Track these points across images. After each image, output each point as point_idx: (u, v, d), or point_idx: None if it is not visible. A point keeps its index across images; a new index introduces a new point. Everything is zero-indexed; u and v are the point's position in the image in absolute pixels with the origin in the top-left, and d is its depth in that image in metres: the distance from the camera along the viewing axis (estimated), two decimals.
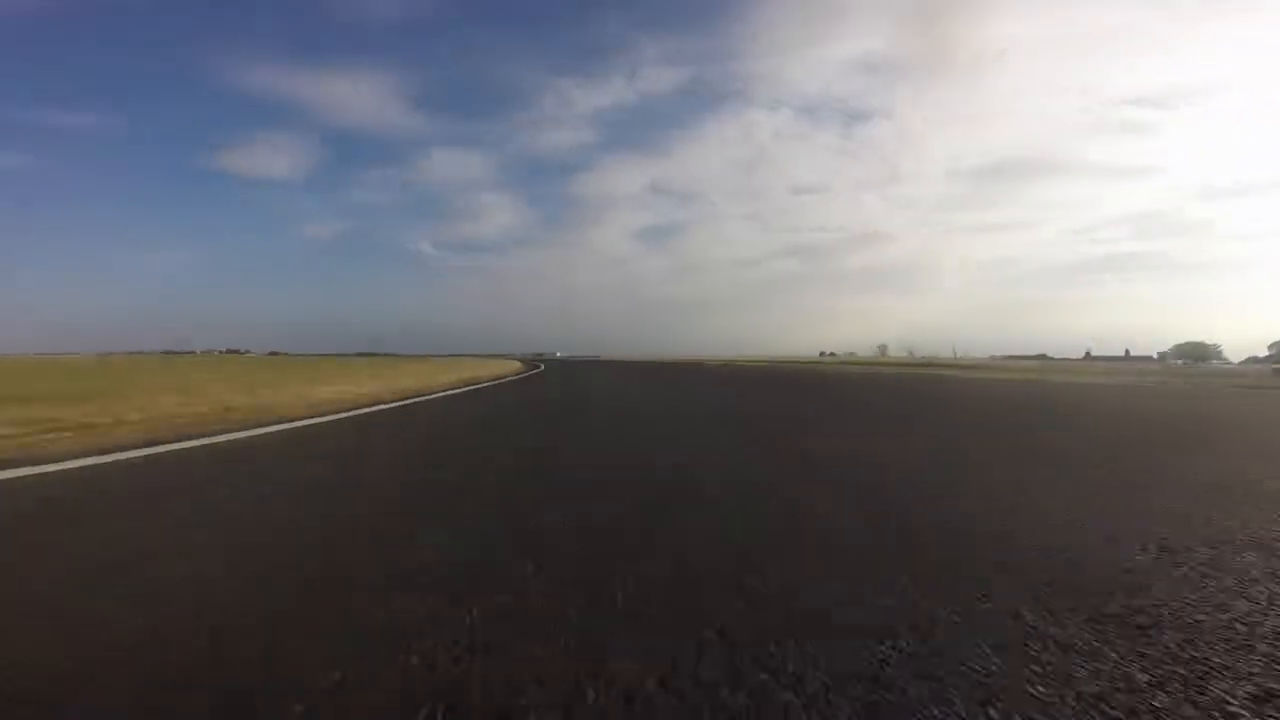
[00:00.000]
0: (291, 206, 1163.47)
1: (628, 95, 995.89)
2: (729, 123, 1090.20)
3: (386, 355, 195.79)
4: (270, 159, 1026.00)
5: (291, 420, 5.11)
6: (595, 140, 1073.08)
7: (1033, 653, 1.14)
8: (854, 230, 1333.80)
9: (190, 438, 3.95)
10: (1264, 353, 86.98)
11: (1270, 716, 0.95)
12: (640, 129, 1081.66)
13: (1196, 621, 1.28)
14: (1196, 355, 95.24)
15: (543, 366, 27.93)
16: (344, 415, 5.77)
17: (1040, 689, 1.01)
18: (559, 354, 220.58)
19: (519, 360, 51.36)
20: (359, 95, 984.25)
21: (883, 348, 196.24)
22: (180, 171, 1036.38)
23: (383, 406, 6.80)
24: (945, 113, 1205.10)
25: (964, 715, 0.94)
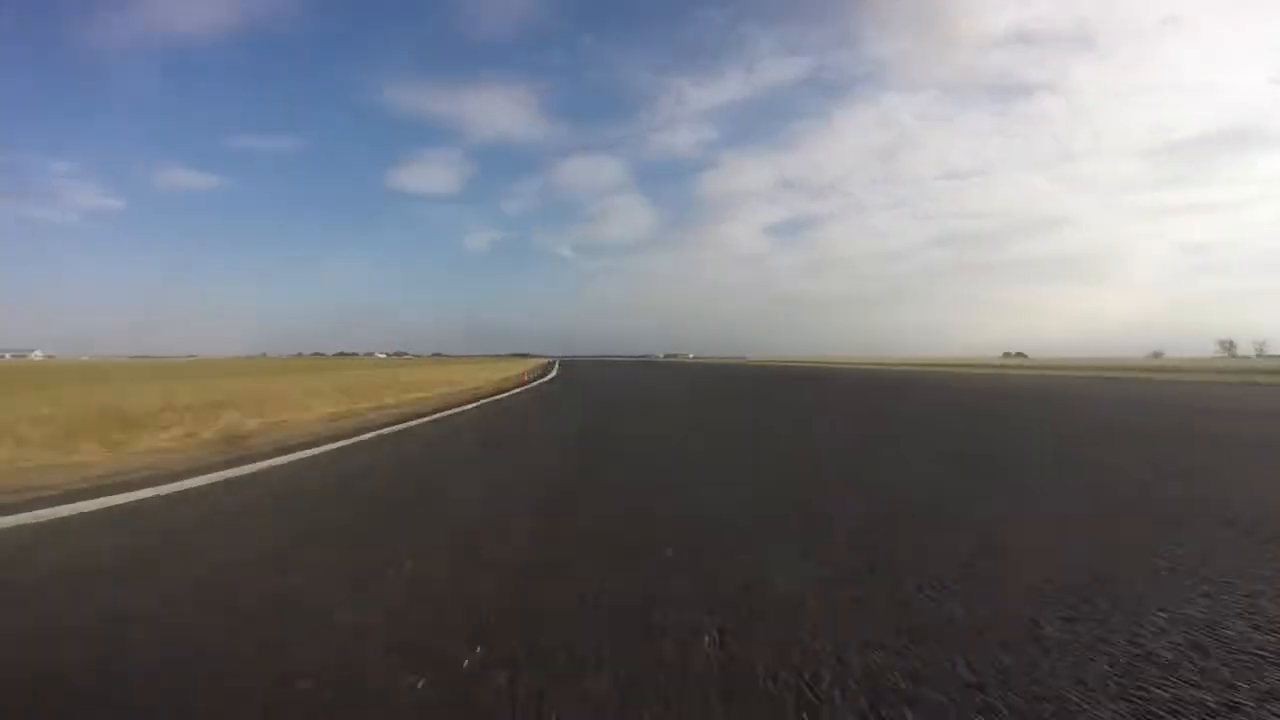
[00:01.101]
0: (451, 219, 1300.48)
1: (746, 89, 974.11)
2: (861, 109, 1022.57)
3: (533, 355, 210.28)
4: (431, 174, 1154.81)
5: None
6: (717, 137, 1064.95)
7: None
8: (1020, 216, 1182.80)
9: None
10: None
11: None
12: (763, 122, 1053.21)
13: None
14: None
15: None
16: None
17: None
18: (691, 355, 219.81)
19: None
20: (497, 109, 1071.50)
21: (1228, 345, 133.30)
22: (355, 190, 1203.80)
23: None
24: (1120, 86, 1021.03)
25: None
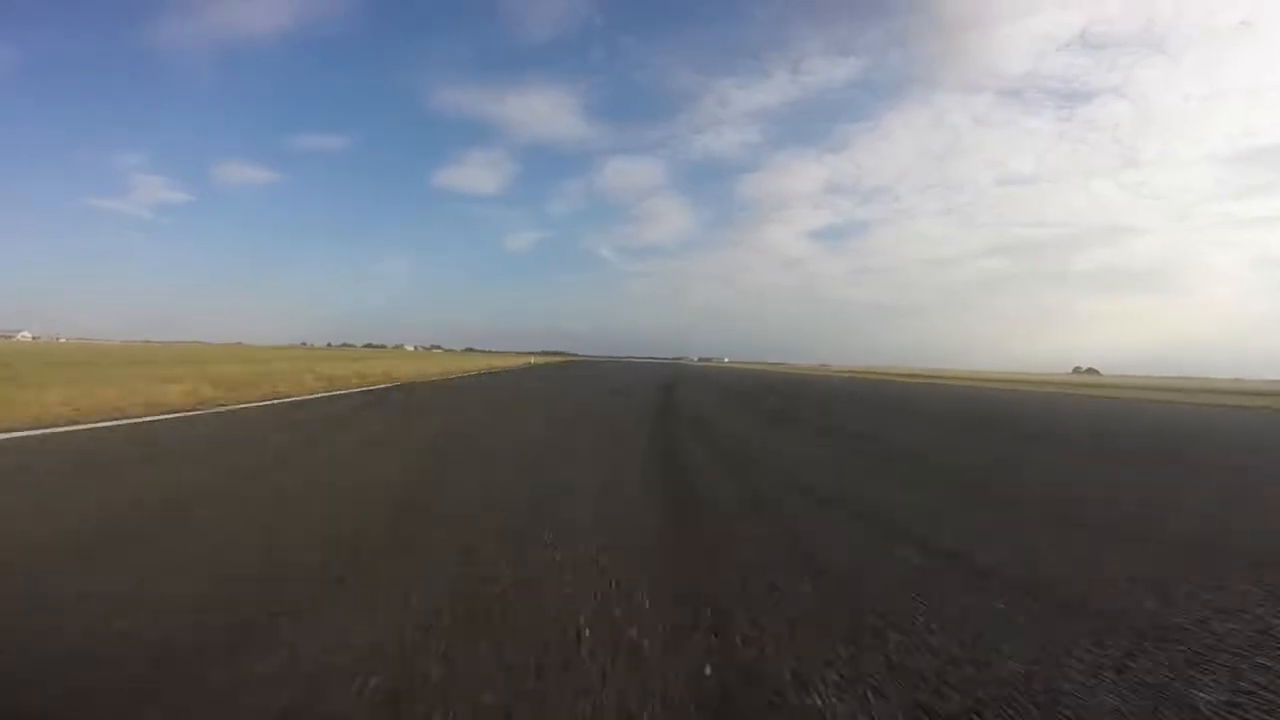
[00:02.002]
0: (494, 218, 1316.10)
1: (792, 90, 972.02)
2: (913, 111, 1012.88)
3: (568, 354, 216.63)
4: (476, 175, 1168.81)
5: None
6: (761, 139, 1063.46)
7: None
8: (1083, 224, 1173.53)
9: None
10: None
11: None
12: (810, 124, 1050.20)
13: None
14: None
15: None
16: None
17: None
18: (726, 359, 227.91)
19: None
20: (541, 110, 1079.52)
21: None
22: (403, 188, 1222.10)
23: None
24: (1192, 90, 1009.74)
25: None
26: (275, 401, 7.92)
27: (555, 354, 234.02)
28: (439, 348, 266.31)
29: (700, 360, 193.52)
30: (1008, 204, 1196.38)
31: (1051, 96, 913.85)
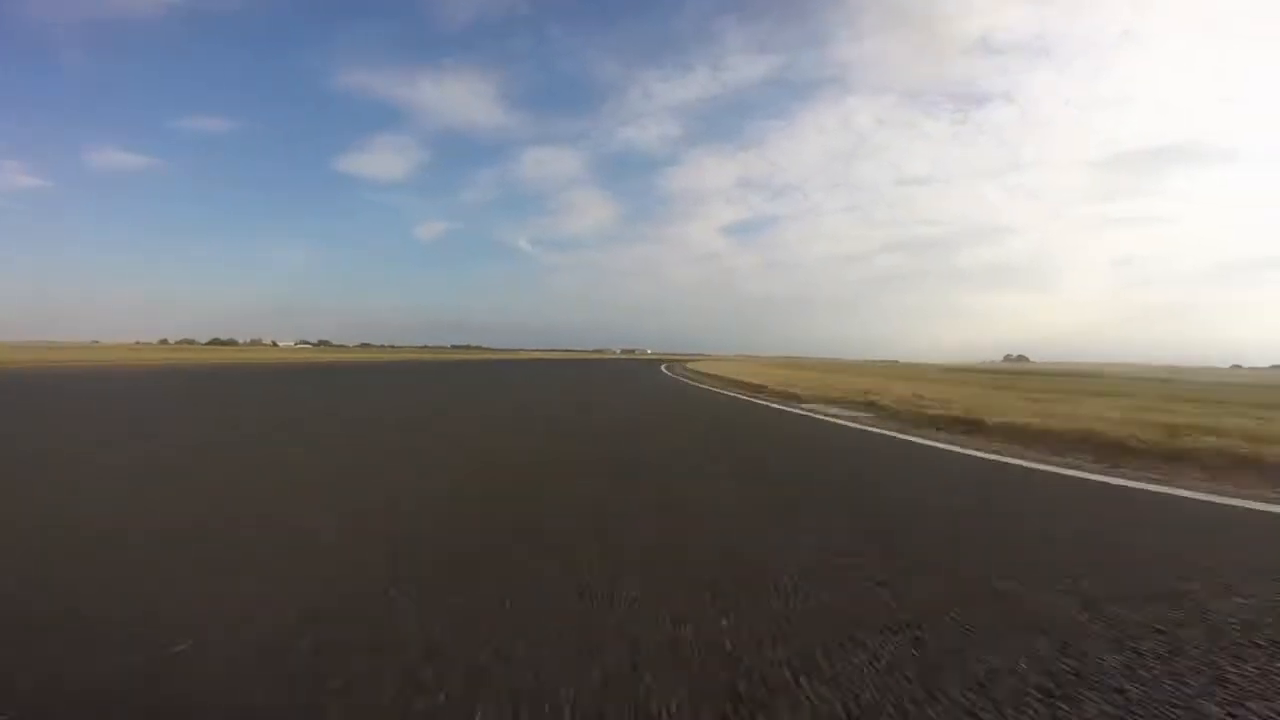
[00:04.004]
0: (401, 206, 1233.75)
1: (713, 86, 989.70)
2: (824, 111, 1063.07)
3: (478, 348, 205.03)
4: (382, 161, 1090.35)
5: None
6: (681, 134, 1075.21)
7: None
8: (970, 223, 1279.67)
9: None
10: None
11: None
12: (728, 120, 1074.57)
13: None
14: None
15: None
16: None
17: None
18: (649, 351, 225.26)
19: None
20: (457, 96, 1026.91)
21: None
22: (299, 174, 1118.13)
23: None
24: (1073, 97, 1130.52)
25: None
26: None
27: (465, 348, 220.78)
28: (305, 343, 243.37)
29: (623, 352, 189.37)
30: (904, 204, 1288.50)
31: (950, 99, 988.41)
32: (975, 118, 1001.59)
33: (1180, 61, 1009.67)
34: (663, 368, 25.27)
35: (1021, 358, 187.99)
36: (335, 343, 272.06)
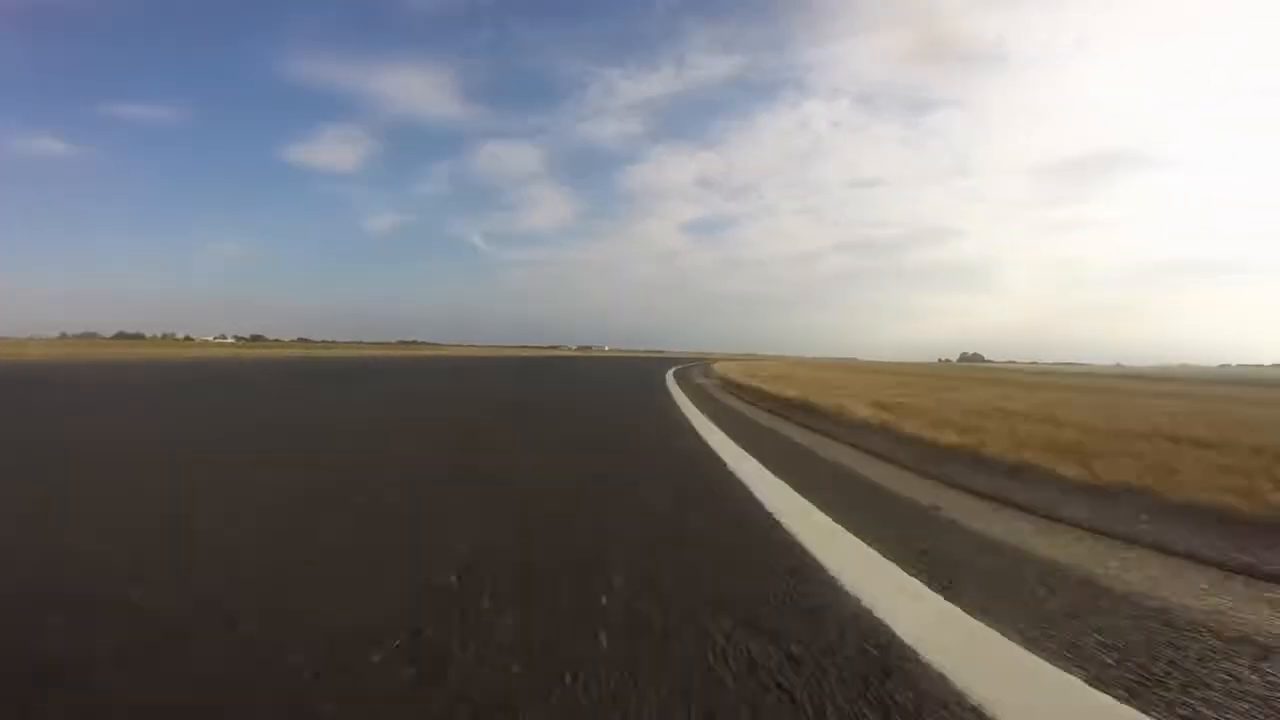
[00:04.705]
0: (351, 198, 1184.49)
1: (676, 85, 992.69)
2: (783, 113, 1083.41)
3: (425, 343, 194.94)
4: (332, 151, 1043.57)
5: None
6: (643, 131, 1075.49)
7: None
8: (918, 225, 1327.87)
9: None
10: None
11: None
12: (689, 119, 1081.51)
13: None
14: None
15: None
16: None
17: None
18: (607, 348, 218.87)
19: None
20: (413, 87, 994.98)
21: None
22: (246, 163, 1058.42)
23: None
24: (1020, 104, 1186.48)
25: None
26: None
27: (412, 344, 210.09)
28: (227, 337, 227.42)
29: (579, 349, 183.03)
30: (855, 205, 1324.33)
31: (901, 104, 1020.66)
32: (926, 122, 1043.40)
33: (1125, 71, 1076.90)
34: (672, 380, 12.33)
35: (977, 356, 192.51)
36: (270, 337, 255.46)
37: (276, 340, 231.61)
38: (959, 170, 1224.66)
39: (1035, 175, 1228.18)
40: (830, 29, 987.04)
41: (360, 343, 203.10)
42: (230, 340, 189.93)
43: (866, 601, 1.40)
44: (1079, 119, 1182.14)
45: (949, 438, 3.73)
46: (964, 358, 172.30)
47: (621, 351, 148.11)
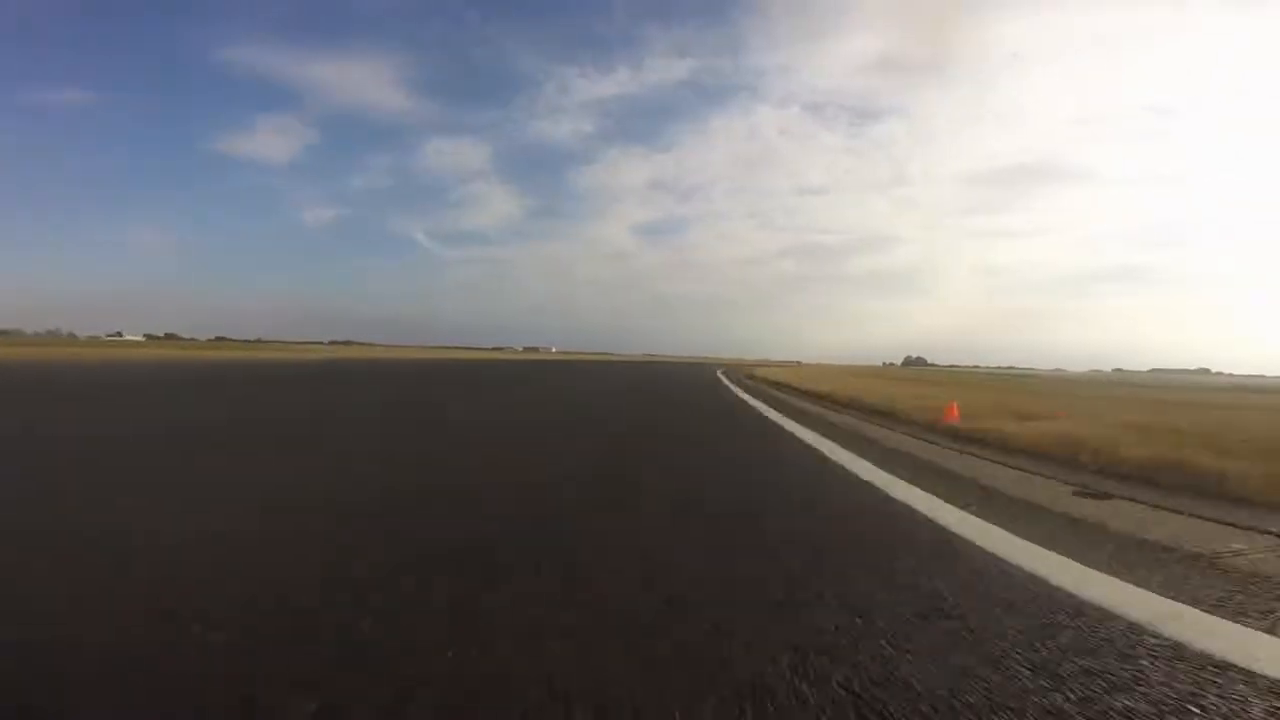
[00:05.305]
0: (289, 191, 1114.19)
1: (632, 86, 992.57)
2: (736, 118, 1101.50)
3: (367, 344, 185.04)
4: (266, 142, 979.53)
5: None
6: (596, 131, 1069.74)
7: None
8: (861, 232, 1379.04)
9: None
10: None
11: None
12: (643, 121, 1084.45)
13: None
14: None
15: None
16: None
17: None
18: (554, 349, 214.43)
19: None
20: (357, 77, 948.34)
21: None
22: (172, 153, 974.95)
23: None
24: (957, 115, 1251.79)
25: None
26: None
27: (346, 344, 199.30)
28: (119, 335, 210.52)
29: (525, 350, 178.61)
30: (802, 212, 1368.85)
31: (847, 113, 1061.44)
32: (868, 132, 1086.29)
33: (1056, 85, 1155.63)
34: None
35: (920, 360, 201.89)
36: (185, 336, 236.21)
37: (192, 339, 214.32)
38: (899, 179, 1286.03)
39: (968, 184, 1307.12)
40: (784, 36, 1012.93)
41: (286, 343, 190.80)
42: (139, 339, 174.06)
43: None
44: (1009, 131, 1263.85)
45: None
46: (908, 361, 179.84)
47: (571, 355, 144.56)
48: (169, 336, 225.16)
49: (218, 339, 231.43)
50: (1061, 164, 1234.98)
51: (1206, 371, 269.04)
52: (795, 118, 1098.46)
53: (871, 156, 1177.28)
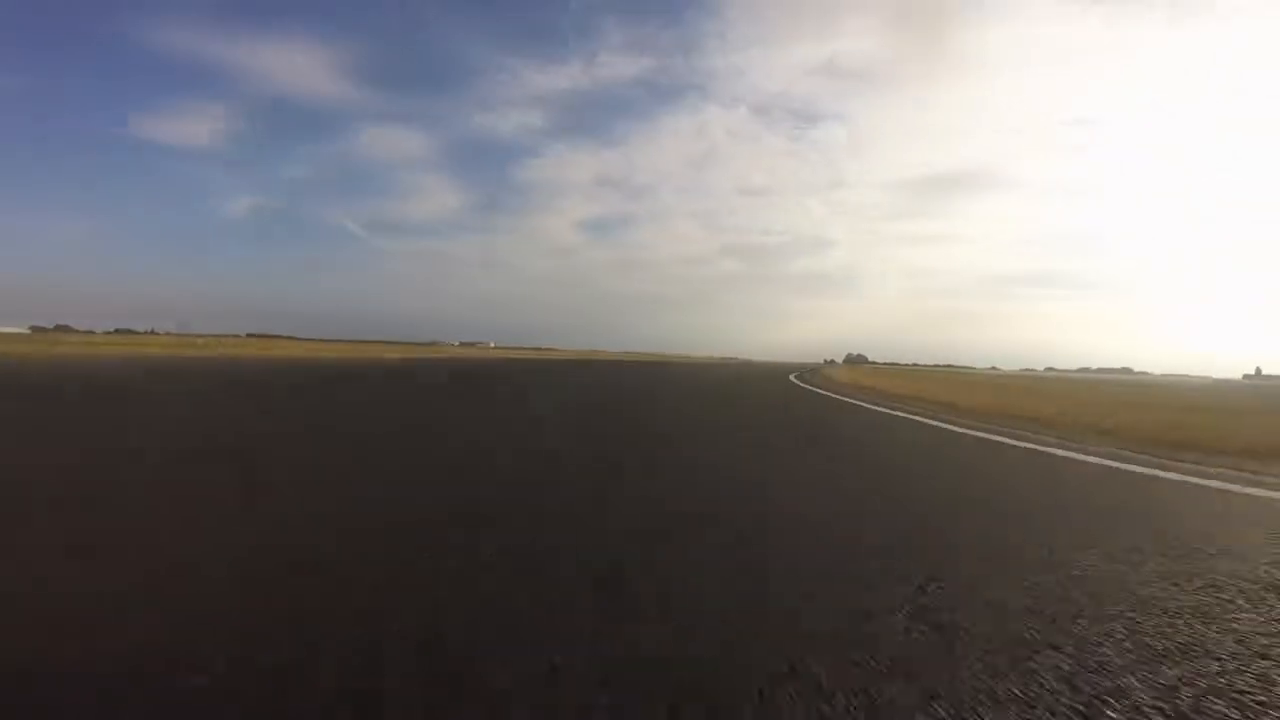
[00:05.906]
0: (211, 179, 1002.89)
1: (583, 81, 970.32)
2: (685, 117, 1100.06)
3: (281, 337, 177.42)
4: (192, 127, 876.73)
5: None
6: (544, 125, 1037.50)
7: None
8: (799, 234, 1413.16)
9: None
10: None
11: None
12: (593, 117, 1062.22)
13: None
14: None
15: None
16: None
17: None
18: (492, 343, 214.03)
19: None
20: (292, 61, 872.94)
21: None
22: (86, 137, 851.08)
23: None
24: (894, 122, 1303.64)
25: None
26: None
27: (265, 338, 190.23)
28: (70, 327, 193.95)
29: (461, 344, 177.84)
30: (743, 213, 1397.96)
31: (792, 116, 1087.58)
32: (809, 136, 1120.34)
33: (988, 98, 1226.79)
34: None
35: (861, 357, 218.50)
36: (78, 327, 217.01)
37: (88, 331, 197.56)
38: (837, 182, 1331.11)
39: (893, 189, 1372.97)
40: (736, 38, 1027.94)
41: (195, 336, 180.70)
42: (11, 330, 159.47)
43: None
44: (941, 139, 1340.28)
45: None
46: (849, 359, 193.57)
47: (509, 350, 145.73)
48: (60, 327, 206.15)
49: (119, 330, 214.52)
50: (992, 172, 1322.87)
51: (1129, 371, 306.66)
52: (742, 119, 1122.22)
53: (810, 159, 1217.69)
